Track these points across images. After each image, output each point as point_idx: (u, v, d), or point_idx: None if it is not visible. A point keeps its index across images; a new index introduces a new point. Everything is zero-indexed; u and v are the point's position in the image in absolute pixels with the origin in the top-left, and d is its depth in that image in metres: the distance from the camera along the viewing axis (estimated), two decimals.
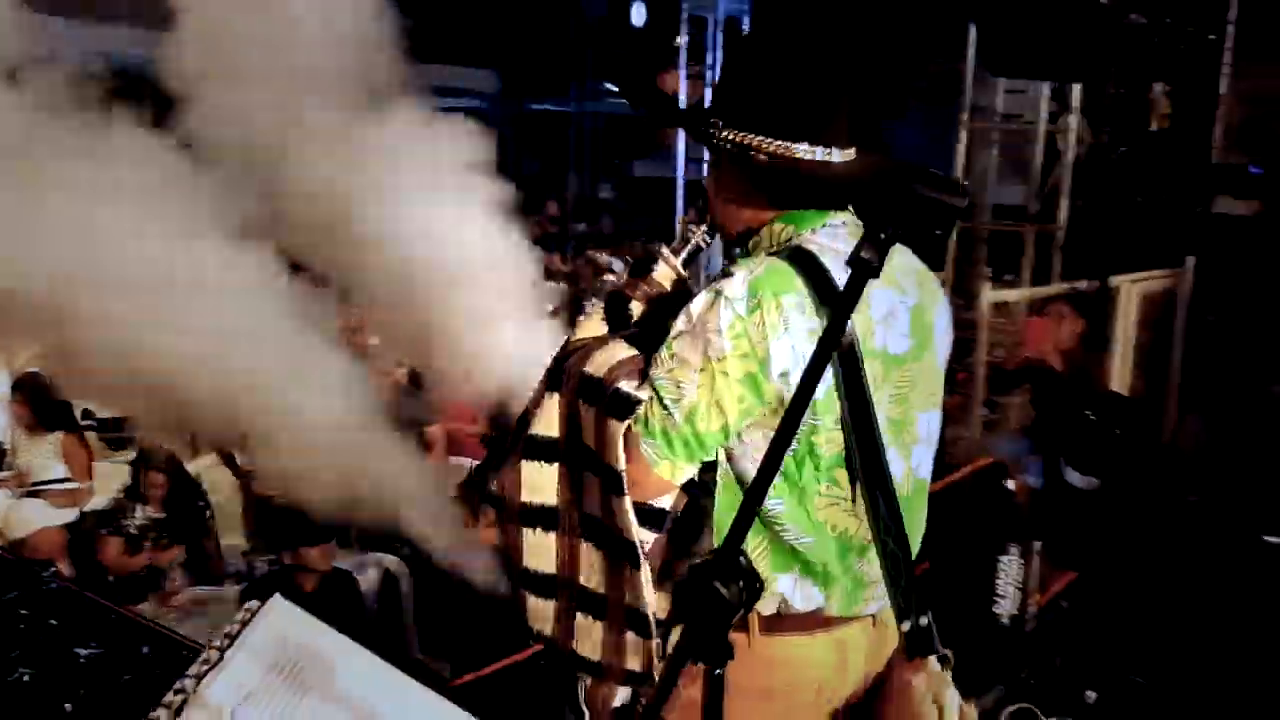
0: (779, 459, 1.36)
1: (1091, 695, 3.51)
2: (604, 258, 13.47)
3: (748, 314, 1.72)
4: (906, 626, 1.79)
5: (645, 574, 1.81)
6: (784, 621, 1.87)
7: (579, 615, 1.90)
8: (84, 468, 5.61)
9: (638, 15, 24.07)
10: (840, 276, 1.74)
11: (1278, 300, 5.88)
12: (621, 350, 1.90)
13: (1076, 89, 6.39)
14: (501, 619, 2.81)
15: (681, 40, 28.01)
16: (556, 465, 1.92)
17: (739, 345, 1.72)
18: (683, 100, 12.09)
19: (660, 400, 1.77)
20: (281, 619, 1.63)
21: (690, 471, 1.82)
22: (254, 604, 1.52)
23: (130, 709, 3.10)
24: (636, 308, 2.05)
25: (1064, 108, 6.42)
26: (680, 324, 1.79)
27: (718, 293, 1.75)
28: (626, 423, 1.78)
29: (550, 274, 12.40)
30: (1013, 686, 3.40)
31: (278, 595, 1.60)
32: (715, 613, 1.20)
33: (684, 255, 2.04)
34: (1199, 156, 7.86)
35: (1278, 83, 9.48)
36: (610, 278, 12.64)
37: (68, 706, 3.10)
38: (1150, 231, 7.10)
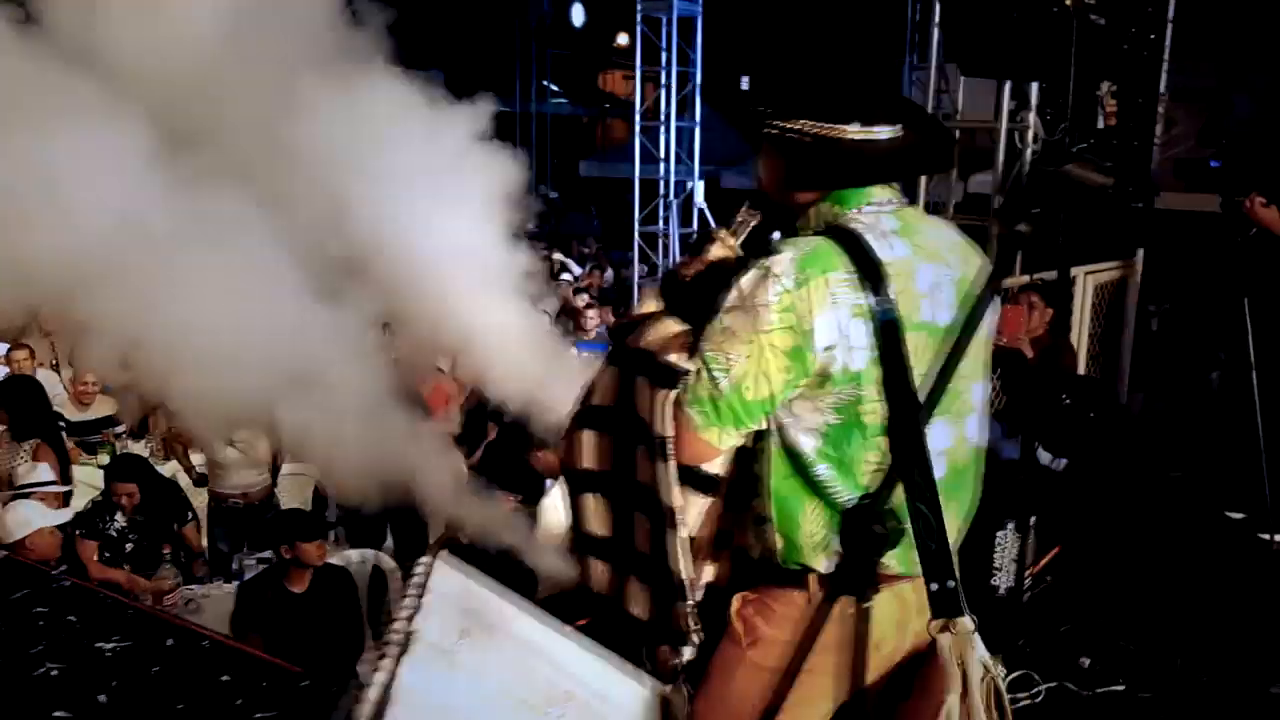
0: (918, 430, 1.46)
1: (1086, 661, 3.69)
2: (558, 257, 13.54)
3: (795, 289, 1.84)
4: (935, 587, 1.89)
5: (681, 538, 1.92)
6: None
7: (631, 578, 2.01)
8: (61, 472, 5.58)
9: (577, 16, 24.18)
10: (884, 254, 1.88)
11: (1216, 292, 6.15)
12: (673, 325, 2.01)
13: (1034, 88, 6.62)
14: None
15: (623, 40, 28.07)
16: (610, 435, 2.04)
17: (785, 319, 1.83)
18: (638, 99, 12.19)
19: (709, 370, 1.88)
20: (455, 570, 1.72)
21: (736, 439, 1.93)
22: (427, 559, 1.60)
23: (163, 699, 3.16)
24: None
25: (1023, 106, 6.65)
26: (730, 299, 1.90)
27: (766, 269, 1.88)
28: (674, 391, 1.89)
29: None
30: (1011, 655, 3.57)
31: (445, 551, 1.68)
32: (869, 549, 1.32)
33: (742, 237, 2.16)
34: (1141, 153, 8.16)
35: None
36: (567, 277, 12.73)
37: (101, 698, 3.13)
38: (1101, 226, 7.36)
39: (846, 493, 1.91)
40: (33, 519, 4.39)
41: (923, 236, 1.99)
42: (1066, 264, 6.02)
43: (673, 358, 1.92)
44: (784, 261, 1.87)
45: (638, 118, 12.19)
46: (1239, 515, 5.03)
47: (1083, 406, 4.74)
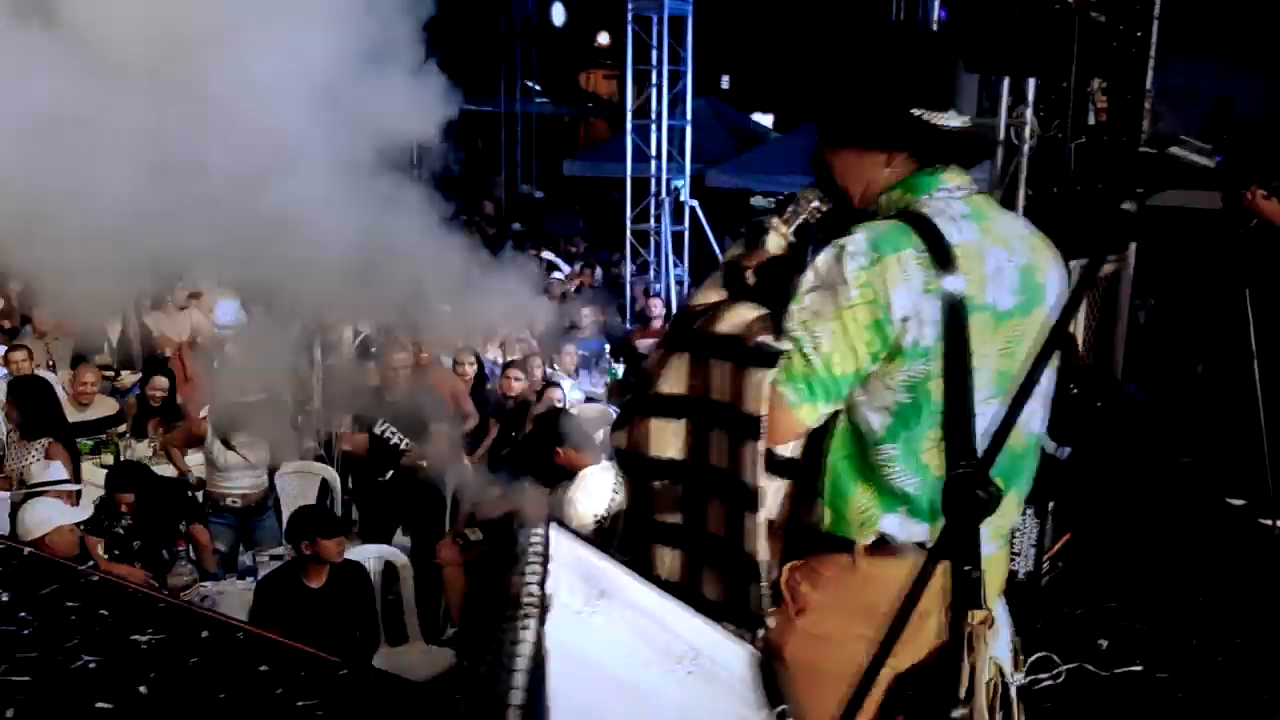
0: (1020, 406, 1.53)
1: (1104, 643, 3.78)
2: (547, 255, 13.58)
3: (870, 265, 1.91)
4: (968, 567, 1.94)
5: (761, 520, 1.98)
6: (888, 548, 2.04)
7: (704, 561, 2.05)
8: (72, 471, 5.59)
9: (557, 15, 24.20)
10: (953, 236, 1.95)
11: (1216, 285, 6.26)
12: (750, 310, 2.06)
13: (1031, 84, 6.71)
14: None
15: (604, 39, 28.01)
16: (684, 421, 2.07)
17: (865, 293, 1.91)
18: (629, 98, 12.22)
19: (800, 349, 1.94)
20: (570, 540, 1.78)
21: (826, 413, 2.00)
22: (540, 529, 1.66)
23: (202, 689, 3.20)
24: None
25: (1020, 101, 6.73)
26: (809, 281, 1.97)
27: (841, 248, 1.95)
28: (771, 372, 1.95)
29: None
30: (1030, 637, 3.64)
31: (555, 523, 1.74)
32: (971, 514, 1.38)
33: (794, 225, 2.22)
34: (1129, 148, 8.28)
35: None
36: (558, 275, 12.77)
37: (142, 689, 3.16)
38: (1091, 220, 7.47)
39: (906, 471, 1.99)
40: (53, 517, 4.40)
41: (991, 223, 2.05)
42: (1067, 257, 6.12)
43: (762, 339, 1.97)
44: (858, 241, 1.94)
45: (629, 116, 12.24)
46: (1240, 501, 5.14)
47: (1090, 396, 4.82)
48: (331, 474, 6.97)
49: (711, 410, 2.03)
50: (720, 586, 2.07)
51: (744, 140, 18.44)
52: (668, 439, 2.08)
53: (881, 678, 1.86)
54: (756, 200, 18.59)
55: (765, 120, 23.99)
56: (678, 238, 12.25)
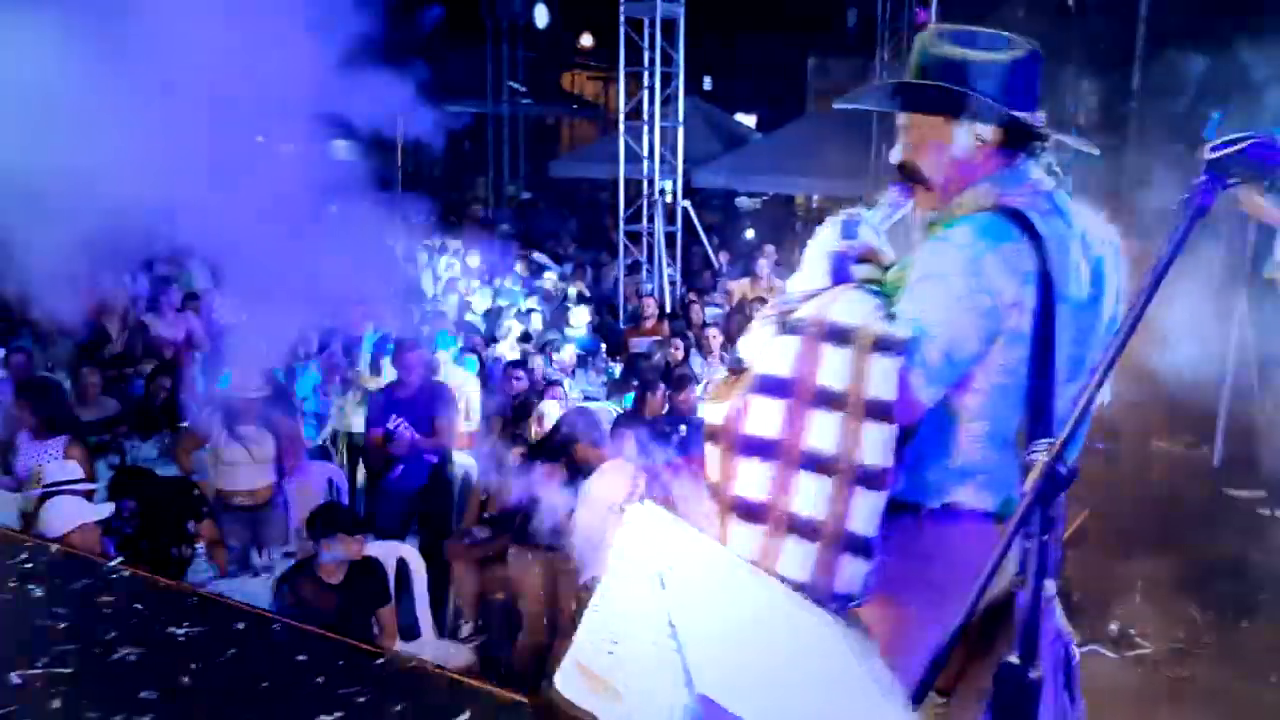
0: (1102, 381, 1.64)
1: (1114, 626, 3.89)
2: (538, 257, 13.65)
3: (979, 257, 2.05)
4: (1045, 538, 2.06)
5: (883, 499, 2.04)
6: (954, 514, 2.16)
7: (789, 538, 2.09)
8: (89, 470, 5.62)
9: (541, 17, 24.21)
10: (1044, 230, 2.10)
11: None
12: (861, 298, 2.14)
13: None
14: None
15: (587, 41, 28.01)
16: (784, 401, 2.12)
17: (979, 283, 2.05)
18: (621, 100, 12.33)
19: (923, 337, 2.04)
20: (653, 510, 1.87)
21: (940, 396, 2.10)
22: (637, 504, 1.74)
23: (241, 680, 3.25)
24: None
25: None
26: (921, 271, 2.10)
27: (944, 239, 2.10)
28: (899, 358, 2.03)
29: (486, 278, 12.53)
30: None
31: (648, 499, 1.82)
32: (1051, 489, 1.48)
33: (883, 218, 2.32)
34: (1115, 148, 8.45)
35: None
36: (550, 275, 12.85)
37: (185, 679, 3.21)
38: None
39: (990, 447, 2.12)
40: (77, 514, 4.44)
41: (1071, 216, 2.21)
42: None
43: (884, 327, 2.06)
44: (966, 233, 2.08)
45: (622, 118, 12.33)
46: (1238, 493, 5.27)
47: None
48: (337, 471, 7.03)
49: (819, 393, 2.08)
50: (804, 563, 2.09)
51: (728, 141, 18.58)
52: (766, 418, 2.12)
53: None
54: (741, 201, 18.69)
55: (748, 120, 24.17)
56: (669, 238, 12.33)
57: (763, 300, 10.26)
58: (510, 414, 7.59)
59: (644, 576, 1.69)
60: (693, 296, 11.54)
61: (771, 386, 2.11)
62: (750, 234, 17.16)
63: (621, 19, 11.42)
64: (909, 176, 2.29)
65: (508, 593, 5.77)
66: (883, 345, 2.03)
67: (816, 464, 2.06)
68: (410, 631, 5.57)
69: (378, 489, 6.90)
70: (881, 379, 2.01)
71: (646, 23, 11.48)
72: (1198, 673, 3.79)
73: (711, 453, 2.17)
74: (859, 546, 2.05)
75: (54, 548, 4.15)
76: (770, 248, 12.40)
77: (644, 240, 12.35)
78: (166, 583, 3.98)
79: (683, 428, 7.60)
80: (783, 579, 2.09)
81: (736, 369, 2.19)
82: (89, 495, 5.27)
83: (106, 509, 4.55)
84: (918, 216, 2.36)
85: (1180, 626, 4.01)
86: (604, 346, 9.85)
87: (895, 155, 2.33)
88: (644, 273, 12.34)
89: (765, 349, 2.15)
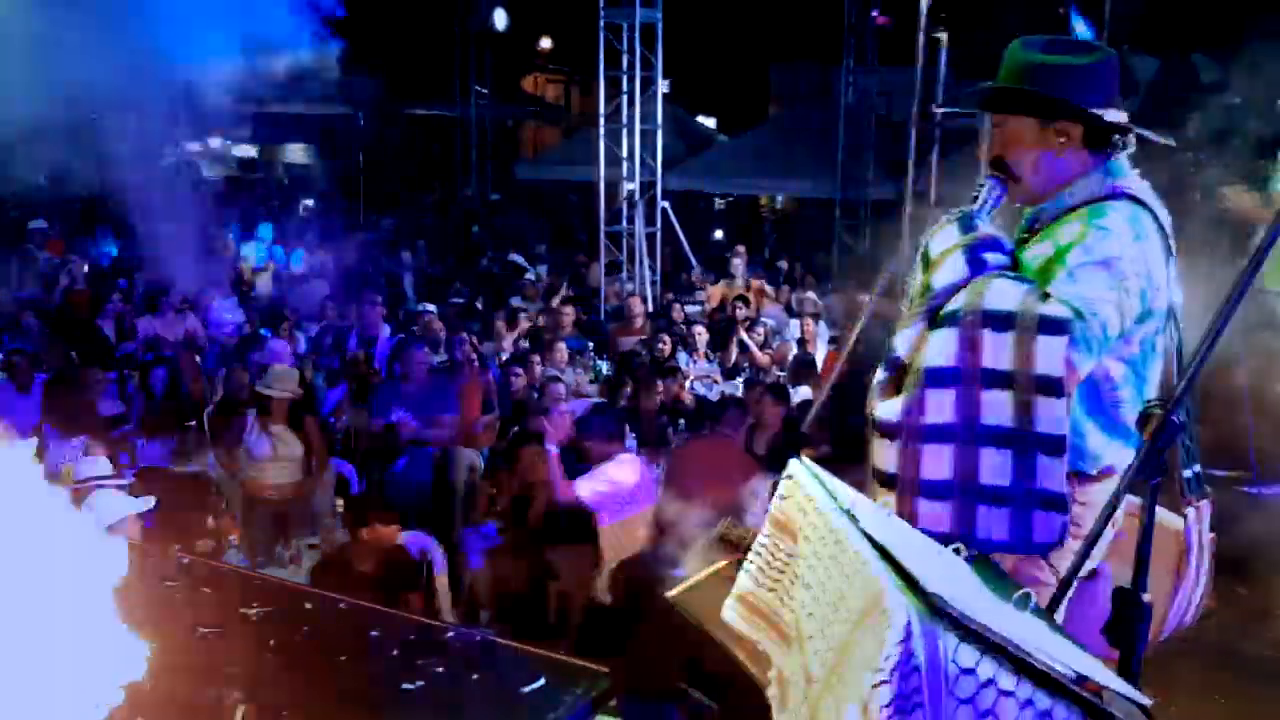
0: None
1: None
2: (515, 258, 13.79)
3: (1134, 242, 2.33)
4: (1189, 474, 2.43)
5: (1064, 462, 2.26)
6: (1100, 475, 2.42)
7: (980, 507, 2.30)
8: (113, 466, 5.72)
9: (500, 20, 24.28)
10: (1162, 215, 2.40)
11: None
12: (1010, 285, 2.33)
13: None
14: None
15: (546, 44, 28.04)
16: (954, 389, 2.31)
17: (1134, 266, 2.31)
18: (601, 103, 12.54)
19: (1082, 317, 2.25)
20: (809, 468, 2.06)
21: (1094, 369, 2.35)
22: (795, 463, 1.95)
23: (321, 653, 3.40)
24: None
25: None
26: (1076, 256, 2.31)
27: (1104, 228, 2.33)
28: (1065, 337, 2.24)
29: (465, 278, 12.66)
30: None
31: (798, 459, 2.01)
32: (1167, 437, 1.71)
33: (987, 211, 2.51)
34: None
35: None
36: (531, 276, 12.99)
37: (268, 655, 3.35)
38: None
39: (1131, 410, 2.36)
40: (125, 506, 4.55)
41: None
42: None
43: (1042, 309, 2.25)
44: (1117, 220, 2.34)
45: (602, 121, 12.53)
46: (1224, 473, 5.55)
47: None
48: (345, 465, 7.15)
49: (986, 375, 2.28)
50: (1003, 523, 2.31)
51: (692, 143, 18.79)
52: (941, 405, 2.32)
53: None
54: (719, 203, 18.87)
55: (709, 123, 24.41)
56: (650, 239, 12.54)
57: (743, 299, 10.50)
58: (510, 413, 7.77)
59: (830, 510, 1.89)
60: (670, 295, 11.79)
61: (941, 377, 2.31)
62: (719, 234, 17.44)
63: (601, 24, 11.62)
64: (1001, 171, 2.52)
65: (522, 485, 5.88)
66: (1047, 326, 2.24)
67: (996, 439, 2.27)
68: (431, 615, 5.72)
69: (382, 481, 7.03)
70: (1048, 357, 2.22)
71: (625, 28, 11.68)
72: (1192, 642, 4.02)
73: (888, 446, 2.38)
74: (1052, 501, 2.29)
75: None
76: (741, 248, 12.70)
77: (623, 241, 12.55)
78: (227, 567, 4.12)
79: (681, 420, 7.85)
80: (985, 540, 2.30)
81: (894, 367, 2.40)
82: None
83: (147, 502, 4.66)
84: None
85: None
86: (591, 345, 10.03)
87: (988, 152, 2.56)
88: (623, 273, 12.54)
89: (925, 345, 2.34)
